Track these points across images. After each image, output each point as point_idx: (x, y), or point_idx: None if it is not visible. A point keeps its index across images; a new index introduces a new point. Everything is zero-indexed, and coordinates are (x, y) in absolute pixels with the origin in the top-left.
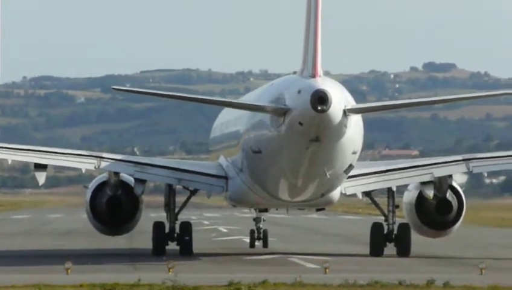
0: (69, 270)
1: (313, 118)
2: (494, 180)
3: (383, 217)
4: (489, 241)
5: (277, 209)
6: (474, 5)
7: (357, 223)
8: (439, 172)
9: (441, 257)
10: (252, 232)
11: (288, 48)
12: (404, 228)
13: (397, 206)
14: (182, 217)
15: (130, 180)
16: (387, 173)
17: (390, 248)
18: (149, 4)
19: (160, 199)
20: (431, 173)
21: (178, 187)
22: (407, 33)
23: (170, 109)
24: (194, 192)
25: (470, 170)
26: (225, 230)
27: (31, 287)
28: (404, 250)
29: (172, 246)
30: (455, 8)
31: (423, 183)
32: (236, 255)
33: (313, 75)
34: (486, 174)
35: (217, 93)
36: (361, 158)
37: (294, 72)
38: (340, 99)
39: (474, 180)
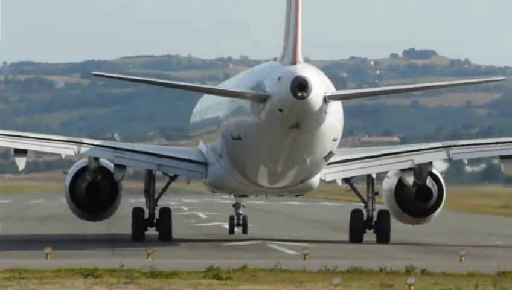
0: (48, 255)
1: (293, 105)
2: (475, 168)
3: (362, 204)
4: (469, 228)
5: (256, 195)
6: None
7: (336, 210)
8: (420, 159)
9: (421, 244)
10: (231, 218)
11: (268, 34)
12: (384, 215)
13: (377, 193)
14: (161, 202)
15: (110, 165)
16: (367, 160)
17: (369, 235)
18: None
19: (140, 184)
20: (411, 160)
21: (157, 173)
22: (387, 19)
23: (150, 95)
24: (173, 178)
25: (450, 157)
26: (204, 216)
27: (10, 272)
28: (383, 237)
29: (151, 231)
30: None
31: (403, 170)
32: (215, 241)
33: (293, 62)
34: (466, 162)
35: (196, 79)
36: (341, 145)
37: (275, 59)
38: (320, 86)
39: (455, 167)
